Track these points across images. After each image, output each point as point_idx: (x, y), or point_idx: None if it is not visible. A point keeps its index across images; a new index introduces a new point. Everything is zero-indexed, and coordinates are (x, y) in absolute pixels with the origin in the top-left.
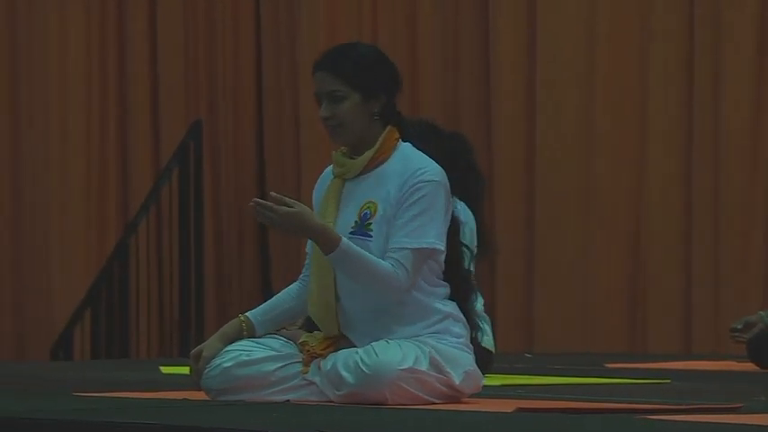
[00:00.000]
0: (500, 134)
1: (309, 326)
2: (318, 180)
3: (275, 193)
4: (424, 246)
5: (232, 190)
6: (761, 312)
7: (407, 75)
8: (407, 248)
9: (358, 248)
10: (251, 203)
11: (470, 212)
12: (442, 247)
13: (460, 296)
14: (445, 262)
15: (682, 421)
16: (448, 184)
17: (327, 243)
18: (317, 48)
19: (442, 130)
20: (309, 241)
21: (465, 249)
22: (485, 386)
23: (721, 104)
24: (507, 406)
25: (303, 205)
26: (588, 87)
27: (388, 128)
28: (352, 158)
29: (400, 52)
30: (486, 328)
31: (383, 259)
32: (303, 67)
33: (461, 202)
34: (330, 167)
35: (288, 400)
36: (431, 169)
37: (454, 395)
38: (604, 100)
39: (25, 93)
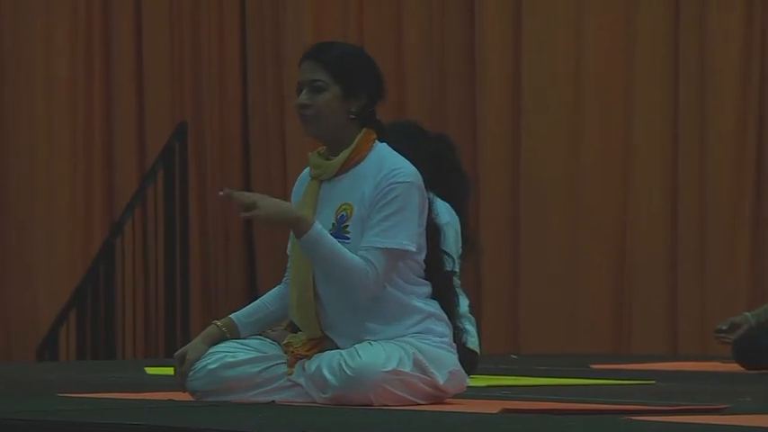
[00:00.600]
0: (485, 135)
1: (294, 327)
2: (296, 182)
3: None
4: (395, 246)
5: (218, 191)
6: (746, 313)
7: (393, 75)
8: (378, 248)
9: (332, 238)
10: (220, 193)
11: (455, 213)
12: (413, 248)
13: (442, 297)
14: (426, 263)
15: (667, 422)
16: (423, 184)
17: (301, 226)
18: (302, 48)
19: (428, 132)
20: (290, 243)
21: (446, 255)
22: (470, 387)
23: (708, 106)
24: (493, 407)
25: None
26: (574, 88)
27: (365, 129)
28: (328, 159)
29: (386, 53)
30: (472, 329)
31: None
32: (288, 69)
33: (446, 203)
34: (308, 169)
35: (273, 402)
36: (405, 170)
37: (439, 395)
38: (590, 100)
39: (11, 94)
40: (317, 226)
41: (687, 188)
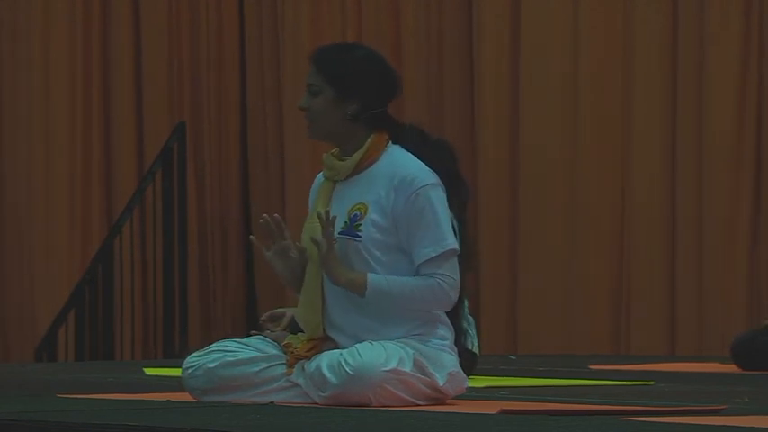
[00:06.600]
0: (484, 138)
1: (294, 328)
2: (314, 182)
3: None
4: (448, 248)
5: (216, 191)
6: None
7: None
8: (434, 257)
9: (390, 277)
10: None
11: (455, 221)
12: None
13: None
14: None
15: (666, 423)
16: (439, 180)
17: (357, 285)
18: (300, 49)
19: (429, 136)
20: (304, 236)
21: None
22: (469, 388)
23: (705, 110)
24: (491, 407)
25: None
26: (572, 92)
27: (376, 133)
28: (341, 160)
29: (383, 52)
30: (471, 330)
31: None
32: (286, 69)
33: None
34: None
35: (272, 402)
36: (421, 174)
37: (438, 397)
38: (588, 104)
39: (8, 93)
40: (370, 276)
41: (685, 189)
